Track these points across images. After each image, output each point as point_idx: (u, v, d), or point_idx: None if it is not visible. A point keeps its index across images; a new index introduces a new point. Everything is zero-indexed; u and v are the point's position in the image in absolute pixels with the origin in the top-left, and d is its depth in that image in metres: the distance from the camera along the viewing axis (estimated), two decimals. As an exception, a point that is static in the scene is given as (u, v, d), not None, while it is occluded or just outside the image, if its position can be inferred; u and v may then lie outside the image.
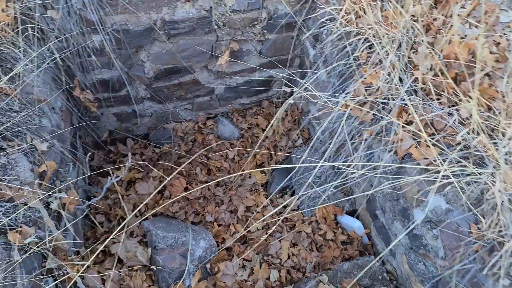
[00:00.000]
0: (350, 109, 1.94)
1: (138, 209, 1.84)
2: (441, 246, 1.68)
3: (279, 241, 2.35)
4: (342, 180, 2.06)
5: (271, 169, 2.77)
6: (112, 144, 2.90)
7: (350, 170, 1.82)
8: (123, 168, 2.24)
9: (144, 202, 1.84)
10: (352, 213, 2.45)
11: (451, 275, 1.63)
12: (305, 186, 2.22)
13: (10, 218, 1.55)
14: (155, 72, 2.58)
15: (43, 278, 1.64)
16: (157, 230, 2.27)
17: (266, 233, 2.40)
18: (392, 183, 1.69)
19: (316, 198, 2.41)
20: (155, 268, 2.10)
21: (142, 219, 2.37)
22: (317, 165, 1.47)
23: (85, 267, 1.58)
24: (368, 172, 1.90)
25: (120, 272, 2.13)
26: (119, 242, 2.25)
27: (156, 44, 2.44)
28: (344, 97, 1.87)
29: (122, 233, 2.13)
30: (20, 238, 1.56)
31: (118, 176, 2.18)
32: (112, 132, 2.86)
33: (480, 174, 1.52)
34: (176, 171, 1.78)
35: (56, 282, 1.70)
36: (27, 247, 1.60)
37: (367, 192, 1.77)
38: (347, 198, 1.98)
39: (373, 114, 1.95)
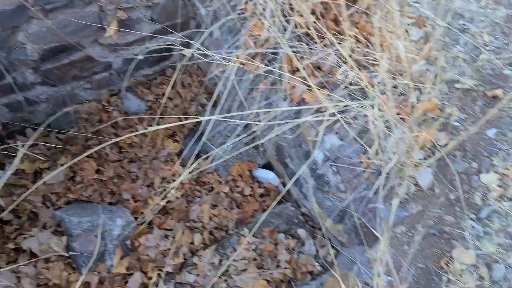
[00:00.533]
0: (242, 64, 1.95)
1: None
2: (340, 180, 1.79)
3: (199, 205, 2.37)
4: (247, 134, 2.09)
5: (183, 136, 2.74)
6: (10, 137, 2.69)
7: (251, 122, 1.85)
8: (17, 159, 2.09)
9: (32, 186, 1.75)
10: (266, 166, 2.52)
11: (351, 204, 1.75)
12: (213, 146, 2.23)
13: None
14: (40, 53, 2.38)
15: None
16: (70, 217, 2.18)
17: (186, 200, 2.40)
18: (287, 127, 1.74)
19: (229, 157, 2.44)
20: (68, 255, 2.04)
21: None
22: (210, 119, 1.48)
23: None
24: (267, 122, 1.94)
25: (36, 266, 2.04)
26: (31, 237, 2.15)
27: (34, 23, 2.25)
28: (231, 52, 1.87)
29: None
30: None
31: (11, 168, 2.04)
32: (6, 125, 2.64)
33: (361, 107, 1.62)
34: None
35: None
36: None
37: (268, 136, 1.81)
38: (252, 145, 2.02)
39: (265, 65, 1.98)
